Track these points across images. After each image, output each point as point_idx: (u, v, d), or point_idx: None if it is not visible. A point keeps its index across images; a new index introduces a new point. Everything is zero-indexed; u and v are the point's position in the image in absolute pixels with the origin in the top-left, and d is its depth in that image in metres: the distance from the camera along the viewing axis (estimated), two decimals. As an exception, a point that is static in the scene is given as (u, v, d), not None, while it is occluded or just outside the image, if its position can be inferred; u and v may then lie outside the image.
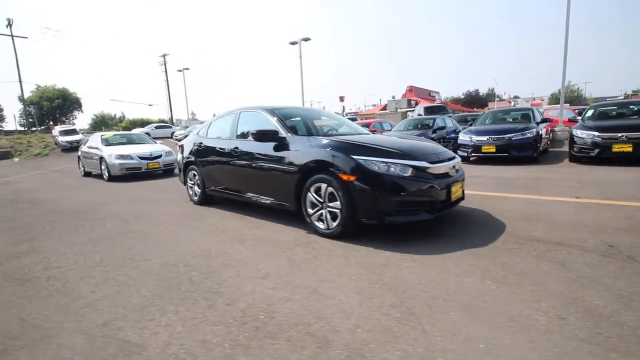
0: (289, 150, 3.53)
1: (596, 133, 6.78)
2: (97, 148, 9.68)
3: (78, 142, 21.47)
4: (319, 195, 3.24)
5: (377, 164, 2.92)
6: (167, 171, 9.78)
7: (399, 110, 33.44)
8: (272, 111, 4.06)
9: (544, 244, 2.83)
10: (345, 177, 2.98)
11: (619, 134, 6.49)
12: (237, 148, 4.21)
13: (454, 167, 3.32)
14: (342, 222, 3.06)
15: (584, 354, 1.50)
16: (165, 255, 3.03)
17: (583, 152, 6.99)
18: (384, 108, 38.49)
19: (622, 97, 46.03)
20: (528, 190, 4.97)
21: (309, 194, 3.32)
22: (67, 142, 21.18)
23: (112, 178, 9.02)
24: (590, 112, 8.06)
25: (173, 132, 28.59)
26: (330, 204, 3.15)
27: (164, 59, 40.05)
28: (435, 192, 2.98)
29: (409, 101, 33.62)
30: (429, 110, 18.50)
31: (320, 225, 3.28)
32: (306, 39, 21.54)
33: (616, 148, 6.49)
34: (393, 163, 2.93)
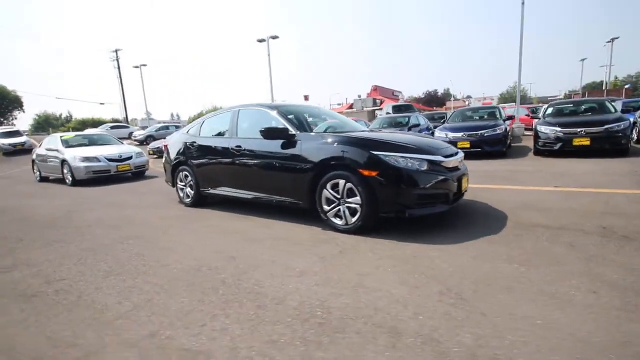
0: (301, 147, 3.50)
1: (558, 129, 7.47)
2: (56, 150, 8.83)
3: (22, 144, 19.48)
4: (336, 192, 3.26)
5: (397, 158, 3.01)
6: (137, 174, 9.22)
7: (365, 108, 34.21)
8: (276, 108, 4.00)
9: (547, 229, 3.09)
10: (366, 173, 3.03)
11: (579, 129, 7.21)
12: (239, 146, 4.08)
13: (460, 160, 3.50)
14: (362, 217, 3.11)
15: (627, 320, 1.68)
16: (182, 260, 2.87)
17: (547, 146, 7.66)
18: (350, 107, 39.15)
19: (562, 97, 51.04)
20: (510, 182, 5.36)
21: (324, 190, 3.32)
22: (9, 144, 19.08)
23: (76, 182, 8.30)
24: (550, 110, 8.85)
25: (131, 133, 26.84)
26: (349, 200, 3.18)
27: (116, 54, 37.45)
28: (450, 184, 3.13)
29: (374, 100, 34.53)
30: (396, 109, 19.11)
31: (338, 221, 3.30)
32: (274, 37, 21.28)
33: (576, 142, 7.20)
34: (411, 157, 3.03)
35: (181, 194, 5.12)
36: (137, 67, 30.42)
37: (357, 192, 3.10)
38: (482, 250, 2.67)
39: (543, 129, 7.81)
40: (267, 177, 3.87)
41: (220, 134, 4.51)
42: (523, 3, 13.95)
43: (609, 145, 6.98)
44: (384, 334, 1.68)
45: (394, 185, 2.96)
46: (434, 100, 49.80)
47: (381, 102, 32.28)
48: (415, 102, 43.61)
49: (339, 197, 3.26)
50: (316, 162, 3.35)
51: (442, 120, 15.02)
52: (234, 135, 4.27)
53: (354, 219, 3.18)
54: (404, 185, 2.95)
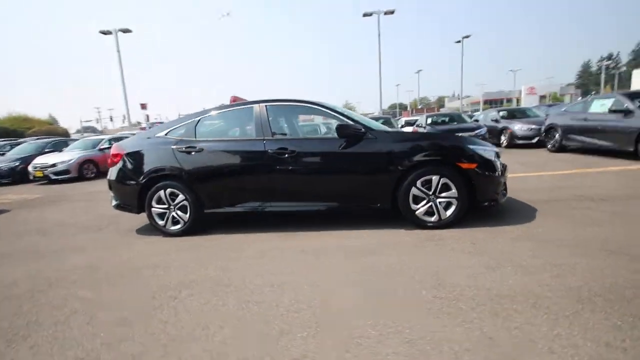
0: (381, 145, 3.26)
1: (447, 133, 9.62)
2: None
3: None
4: (427, 188, 3.22)
5: (484, 151, 3.27)
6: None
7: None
8: (320, 104, 3.57)
9: (567, 202, 3.83)
10: (465, 166, 3.14)
11: (460, 134, 9.51)
12: (284, 149, 3.36)
13: None
14: (459, 209, 3.20)
15: None
16: (320, 293, 2.20)
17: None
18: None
19: (378, 113, 64.19)
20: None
21: (413, 188, 3.22)
22: None
23: None
24: (429, 120, 11.26)
25: None
26: (443, 195, 3.20)
27: None
28: (507, 172, 3.63)
29: (236, 111, 33.71)
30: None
31: (429, 217, 3.25)
32: (125, 30, 17.62)
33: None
34: (489, 149, 3.36)
35: (160, 222, 3.68)
36: None
37: (452, 186, 3.17)
38: (567, 224, 3.13)
39: (434, 134, 9.87)
40: (331, 182, 3.38)
41: (240, 135, 3.57)
42: (379, 35, 17.09)
43: (479, 146, 9.53)
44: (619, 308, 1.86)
45: (490, 176, 3.21)
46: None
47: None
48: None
49: (429, 193, 3.23)
50: (405, 160, 3.20)
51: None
52: (267, 136, 3.47)
53: (448, 213, 3.22)
54: (496, 175, 3.25)
